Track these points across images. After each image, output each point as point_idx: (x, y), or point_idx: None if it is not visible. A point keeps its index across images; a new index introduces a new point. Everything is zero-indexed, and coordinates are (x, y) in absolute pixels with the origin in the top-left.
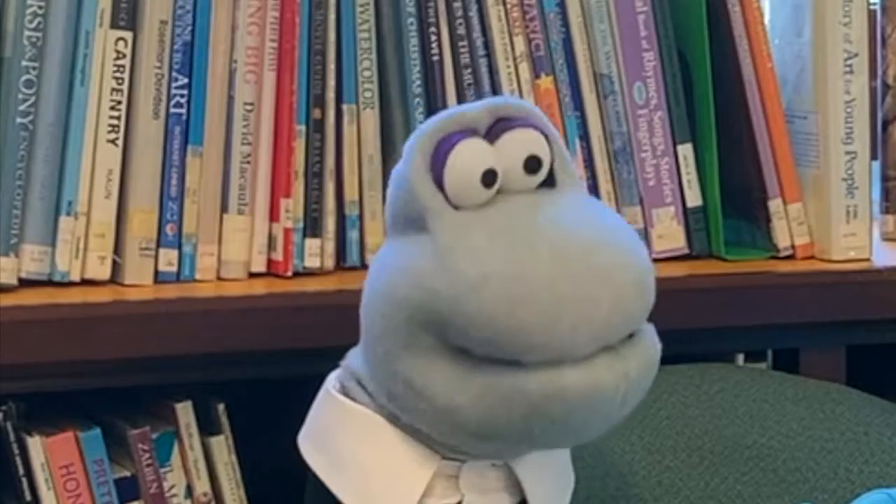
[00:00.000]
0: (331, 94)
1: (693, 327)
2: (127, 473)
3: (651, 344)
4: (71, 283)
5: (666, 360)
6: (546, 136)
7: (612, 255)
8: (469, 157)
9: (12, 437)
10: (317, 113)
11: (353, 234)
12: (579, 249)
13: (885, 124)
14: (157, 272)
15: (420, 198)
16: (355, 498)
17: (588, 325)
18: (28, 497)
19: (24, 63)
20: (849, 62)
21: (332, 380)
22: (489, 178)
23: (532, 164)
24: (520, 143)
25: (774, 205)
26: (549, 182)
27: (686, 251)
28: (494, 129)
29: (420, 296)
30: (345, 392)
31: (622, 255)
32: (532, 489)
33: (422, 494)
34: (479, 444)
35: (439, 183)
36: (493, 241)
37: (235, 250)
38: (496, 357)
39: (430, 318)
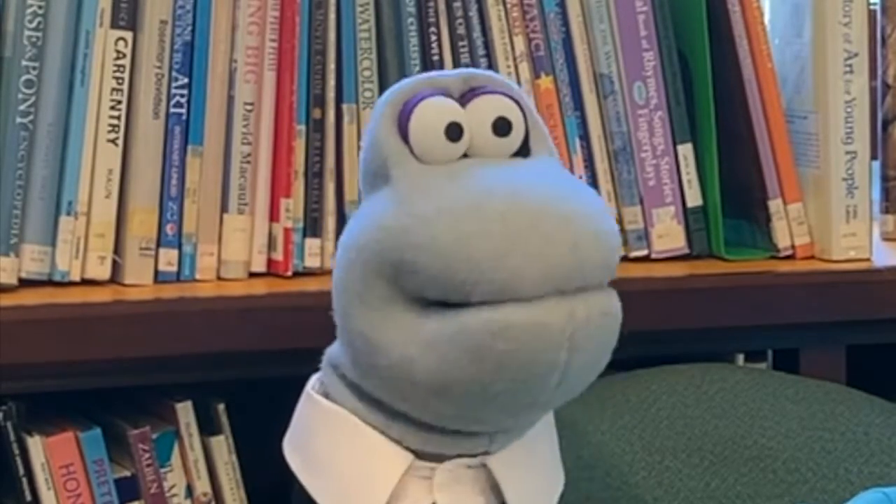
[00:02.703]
0: (331, 94)
1: (693, 327)
2: (127, 473)
3: (607, 297)
4: (71, 283)
5: (666, 360)
6: (520, 106)
7: (573, 206)
8: (435, 110)
9: (12, 437)
10: (317, 113)
11: None
12: (540, 196)
13: (885, 124)
14: (157, 272)
15: (384, 149)
16: (328, 498)
17: (540, 262)
18: (28, 497)
19: (24, 63)
20: (849, 62)
21: (312, 380)
22: (454, 131)
23: (502, 127)
24: (489, 106)
25: (774, 205)
26: (524, 153)
27: (686, 251)
28: (467, 96)
29: (376, 235)
30: (324, 390)
31: (585, 207)
32: (511, 491)
33: (392, 495)
34: (440, 405)
35: (405, 136)
36: (451, 183)
37: (235, 250)
38: (446, 298)
39: (385, 259)
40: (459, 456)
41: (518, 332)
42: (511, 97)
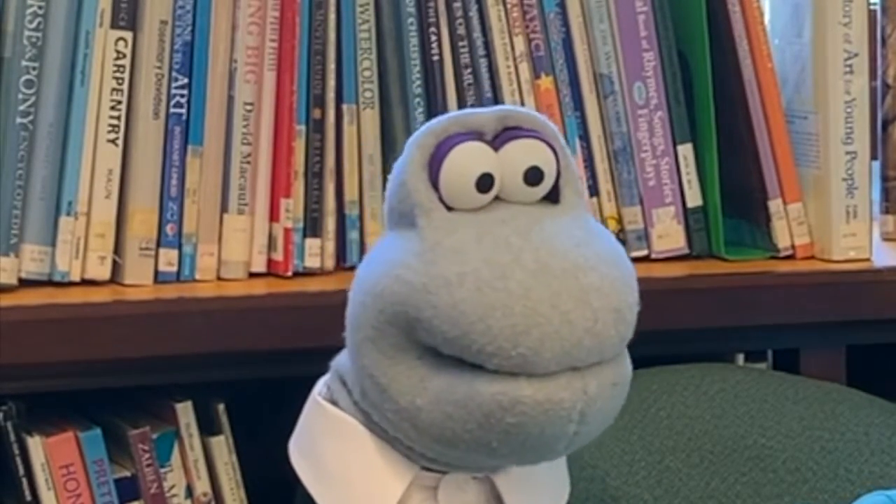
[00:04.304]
0: (331, 94)
1: (693, 327)
2: (127, 473)
3: (619, 366)
4: (71, 283)
5: (666, 360)
6: (555, 151)
7: (596, 280)
8: (467, 159)
9: (12, 437)
10: (317, 113)
11: (353, 234)
12: (564, 267)
13: (885, 124)
14: (157, 272)
15: (413, 194)
16: None
17: (557, 342)
18: (28, 497)
19: (24, 63)
20: (849, 62)
21: (319, 384)
22: (485, 182)
23: (533, 176)
24: (523, 152)
25: (774, 205)
26: (553, 198)
27: (686, 251)
28: (501, 137)
29: (396, 288)
30: (330, 395)
31: (607, 281)
32: None
33: None
34: (443, 451)
35: (434, 181)
36: (478, 244)
37: (235, 250)
38: (460, 357)
39: (401, 311)
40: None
41: (528, 408)
42: (544, 140)
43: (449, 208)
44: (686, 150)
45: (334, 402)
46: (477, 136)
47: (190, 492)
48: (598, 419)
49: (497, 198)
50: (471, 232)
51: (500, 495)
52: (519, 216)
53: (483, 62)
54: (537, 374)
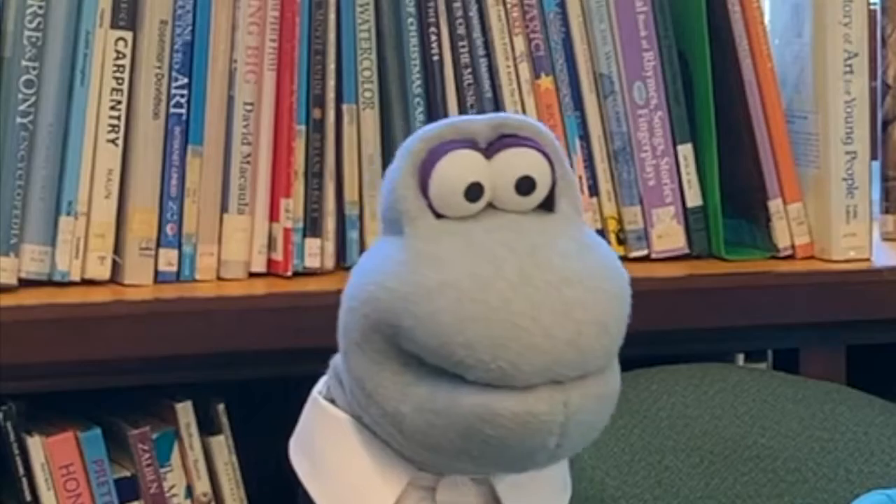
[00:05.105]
0: (331, 94)
1: (693, 327)
2: (127, 473)
3: (604, 380)
4: (71, 283)
5: (666, 360)
6: (550, 160)
7: (580, 293)
8: (457, 168)
9: (12, 437)
10: (317, 113)
11: (353, 234)
12: (548, 279)
13: (885, 124)
14: (157, 272)
15: (401, 201)
16: None
17: (537, 355)
18: (28, 497)
19: (24, 63)
20: (849, 62)
21: (320, 383)
22: (474, 192)
23: (525, 186)
24: (516, 161)
25: (774, 205)
26: (549, 206)
27: (686, 251)
28: (495, 145)
29: (379, 295)
30: (329, 394)
31: (592, 294)
32: None
33: None
34: (430, 457)
35: (424, 189)
36: (462, 253)
37: (235, 250)
38: (442, 367)
39: (383, 318)
40: None
41: (508, 421)
42: (539, 149)
43: (438, 215)
44: (686, 150)
45: (333, 401)
46: (470, 143)
47: (190, 492)
48: (580, 432)
49: (490, 205)
50: (456, 241)
51: (498, 498)
52: (508, 226)
53: (483, 62)
54: (517, 386)
